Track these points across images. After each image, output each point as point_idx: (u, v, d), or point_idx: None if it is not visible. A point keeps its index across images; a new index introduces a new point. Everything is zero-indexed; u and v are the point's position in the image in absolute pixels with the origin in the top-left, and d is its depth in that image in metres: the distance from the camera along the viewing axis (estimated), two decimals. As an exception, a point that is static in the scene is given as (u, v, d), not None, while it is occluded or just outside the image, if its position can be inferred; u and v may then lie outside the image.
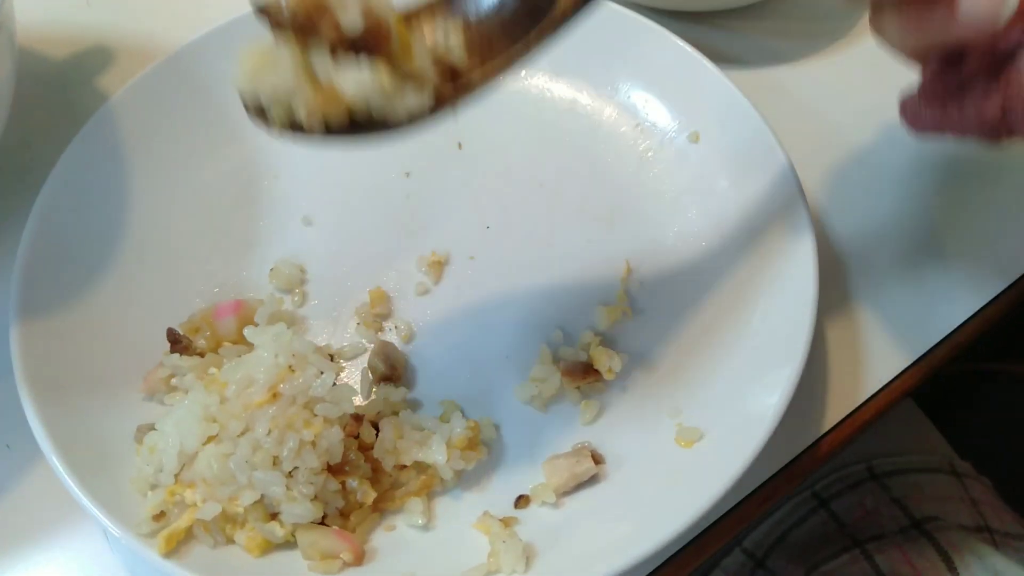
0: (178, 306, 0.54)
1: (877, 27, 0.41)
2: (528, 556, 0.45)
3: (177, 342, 0.51)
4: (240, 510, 0.45)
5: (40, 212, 0.54)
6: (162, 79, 0.61)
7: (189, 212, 0.59)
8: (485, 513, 0.47)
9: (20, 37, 0.57)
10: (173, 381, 0.50)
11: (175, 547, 0.45)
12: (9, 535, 0.50)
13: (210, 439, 0.45)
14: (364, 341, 0.54)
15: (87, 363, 0.51)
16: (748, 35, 0.72)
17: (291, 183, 0.61)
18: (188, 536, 0.45)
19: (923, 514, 0.81)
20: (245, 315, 0.53)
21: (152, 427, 0.49)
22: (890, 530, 0.80)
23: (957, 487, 0.85)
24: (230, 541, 0.45)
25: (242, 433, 0.43)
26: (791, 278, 0.52)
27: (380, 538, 0.48)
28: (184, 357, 0.50)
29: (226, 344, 0.52)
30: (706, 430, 0.49)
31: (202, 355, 0.51)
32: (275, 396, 0.43)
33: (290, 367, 0.45)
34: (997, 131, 0.40)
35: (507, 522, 0.47)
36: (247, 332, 0.49)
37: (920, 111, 0.44)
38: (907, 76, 0.71)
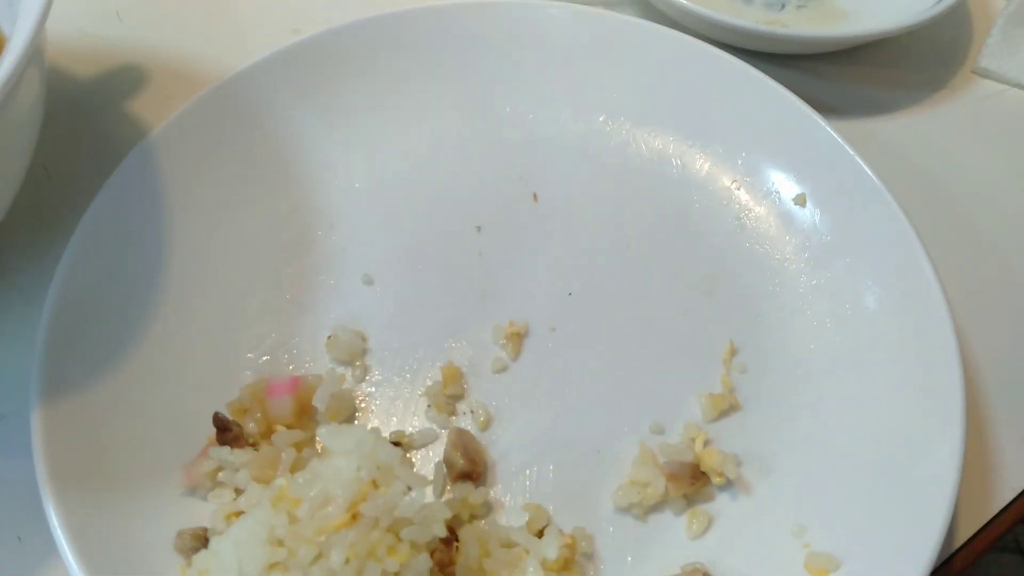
0: (223, 378, 0.47)
1: None
2: None
3: (226, 430, 0.43)
4: None
5: (68, 266, 0.46)
6: (206, 113, 0.54)
7: (234, 266, 0.52)
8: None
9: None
10: (220, 476, 0.43)
11: None
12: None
13: (274, 566, 0.37)
14: (435, 427, 0.47)
15: (117, 448, 0.44)
16: (839, 81, 0.66)
17: (349, 235, 0.54)
18: None
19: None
20: (302, 395, 0.46)
21: (198, 534, 0.41)
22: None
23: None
24: None
25: (314, 561, 0.36)
26: (931, 378, 0.45)
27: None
28: (235, 451, 0.43)
29: (280, 428, 0.45)
30: (842, 558, 0.42)
31: (255, 445, 0.44)
32: (355, 517, 0.36)
33: (373, 481, 0.38)
34: None
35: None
36: (322, 434, 0.41)
37: None
38: (1011, 134, 0.66)
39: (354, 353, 0.49)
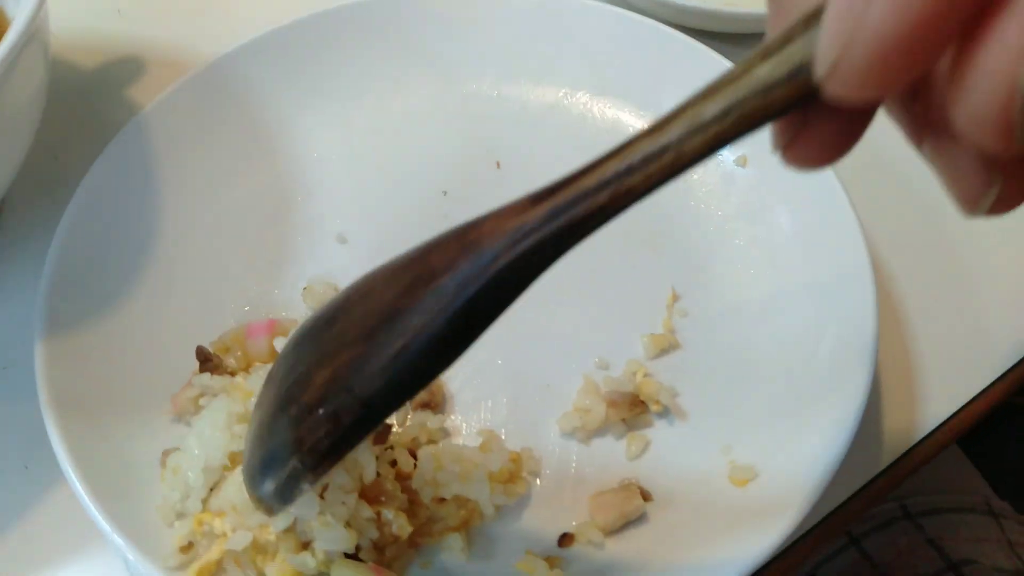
0: (208, 325, 0.52)
1: None
2: (574, 600, 0.43)
3: (207, 360, 0.49)
4: (271, 538, 0.42)
5: (68, 225, 0.52)
6: (194, 91, 0.59)
7: (220, 228, 0.57)
8: (528, 552, 0.45)
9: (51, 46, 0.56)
10: (202, 401, 0.48)
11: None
12: (23, 561, 0.48)
13: (235, 459, 0.43)
14: (399, 365, 0.52)
15: (113, 382, 0.49)
16: (792, 58, 0.70)
17: (325, 201, 0.59)
18: (218, 569, 0.43)
19: (959, 556, 0.78)
20: (277, 335, 0.51)
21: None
22: (925, 572, 0.77)
23: (994, 528, 0.82)
24: (260, 574, 0.43)
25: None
26: (849, 313, 0.49)
27: (415, 575, 0.45)
28: (214, 376, 0.48)
29: (257, 364, 0.50)
30: (760, 469, 0.46)
31: (233, 374, 0.49)
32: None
33: None
34: None
35: (552, 562, 0.44)
36: (278, 343, 0.46)
37: None
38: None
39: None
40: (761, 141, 0.58)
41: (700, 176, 0.61)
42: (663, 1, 0.65)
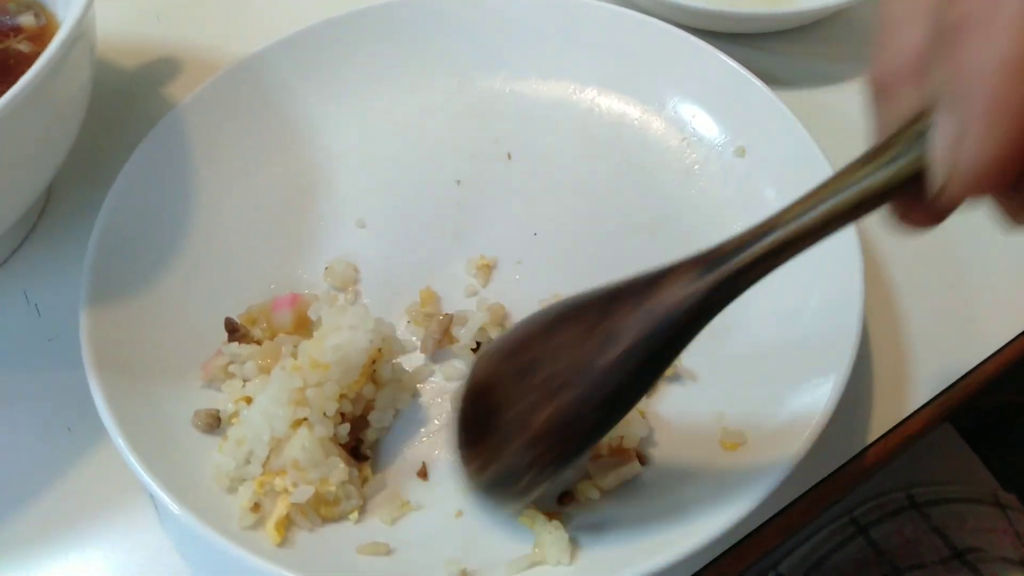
0: (236, 300, 0.56)
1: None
2: (572, 549, 0.46)
3: (235, 331, 0.53)
4: (332, 488, 0.46)
5: (110, 208, 0.56)
6: (226, 88, 0.63)
7: (249, 213, 0.61)
8: (530, 507, 0.48)
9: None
10: (231, 368, 0.52)
11: (285, 535, 0.46)
12: (66, 514, 0.52)
13: (298, 422, 0.47)
14: (414, 339, 0.56)
15: (149, 350, 0.53)
16: (793, 56, 0.73)
17: (346, 189, 0.63)
18: (289, 521, 0.47)
19: (965, 545, 0.79)
20: (300, 308, 0.55)
21: (211, 413, 0.50)
22: (931, 560, 0.78)
23: (1001, 519, 0.83)
24: (326, 520, 0.47)
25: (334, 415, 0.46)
26: (837, 287, 0.52)
27: (420, 523, 0.49)
28: (242, 345, 0.52)
29: (281, 335, 0.54)
30: (749, 434, 0.49)
31: (259, 343, 0.53)
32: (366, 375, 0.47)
33: (379, 349, 0.48)
34: None
35: (552, 516, 0.47)
36: (324, 314, 0.50)
37: None
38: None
39: (347, 280, 0.58)
40: (756, 132, 0.62)
41: (701, 166, 0.64)
42: (668, 2, 0.69)
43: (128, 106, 0.69)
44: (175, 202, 0.59)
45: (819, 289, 0.53)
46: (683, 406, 0.53)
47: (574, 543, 0.46)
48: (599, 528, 0.47)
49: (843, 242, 0.53)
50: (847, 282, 0.52)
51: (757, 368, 0.52)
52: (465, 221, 0.62)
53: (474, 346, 0.54)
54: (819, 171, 0.58)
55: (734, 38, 0.72)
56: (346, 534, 0.48)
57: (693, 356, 0.54)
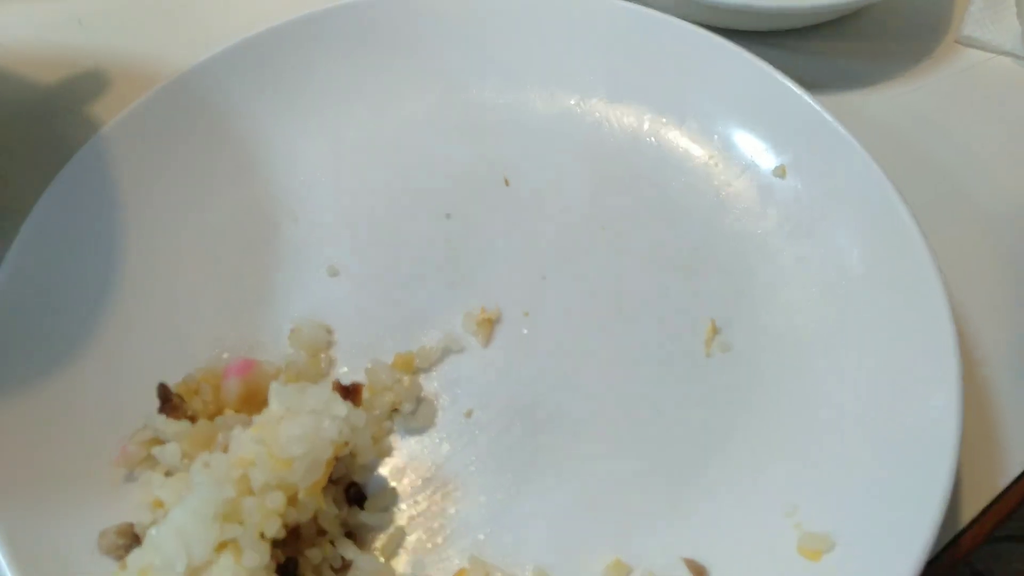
0: (177, 378, 0.45)
1: None
2: None
3: (167, 400, 0.41)
4: None
5: (13, 263, 0.45)
6: (161, 107, 0.52)
7: (192, 261, 0.50)
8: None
9: (1, 60, 0.49)
10: (153, 450, 0.40)
11: None
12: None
13: (223, 545, 0.35)
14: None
15: (57, 451, 0.41)
16: (819, 56, 0.64)
17: (313, 226, 0.52)
18: None
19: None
20: (252, 380, 0.44)
21: (123, 529, 0.39)
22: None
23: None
24: None
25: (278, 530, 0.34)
26: (922, 344, 0.43)
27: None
28: (169, 420, 0.41)
29: (228, 412, 0.43)
30: (836, 537, 0.39)
31: (193, 419, 0.42)
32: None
33: (346, 443, 0.36)
34: None
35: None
36: (276, 392, 0.39)
37: None
38: (998, 103, 0.64)
39: (318, 345, 0.47)
40: (799, 148, 0.53)
41: (734, 189, 0.54)
42: (684, -3, 0.59)
43: (42, 130, 0.57)
44: (97, 252, 0.48)
45: (902, 350, 0.44)
46: (746, 499, 0.42)
47: None
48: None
49: (927, 295, 0.44)
50: (938, 349, 0.43)
51: (832, 450, 0.43)
52: (459, 265, 0.51)
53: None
54: (878, 191, 0.49)
55: (751, 36, 0.63)
56: None
57: (752, 433, 0.45)
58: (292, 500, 0.36)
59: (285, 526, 0.36)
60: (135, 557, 0.36)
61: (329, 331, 0.48)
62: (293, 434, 0.37)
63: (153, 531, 0.36)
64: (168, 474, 0.40)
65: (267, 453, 0.37)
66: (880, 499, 0.39)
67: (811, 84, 0.61)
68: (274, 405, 0.39)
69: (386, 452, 0.44)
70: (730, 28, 0.61)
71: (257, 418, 0.39)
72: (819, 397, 0.45)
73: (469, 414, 0.46)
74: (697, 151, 0.56)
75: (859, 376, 0.44)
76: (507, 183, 0.55)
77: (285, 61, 0.56)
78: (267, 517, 0.35)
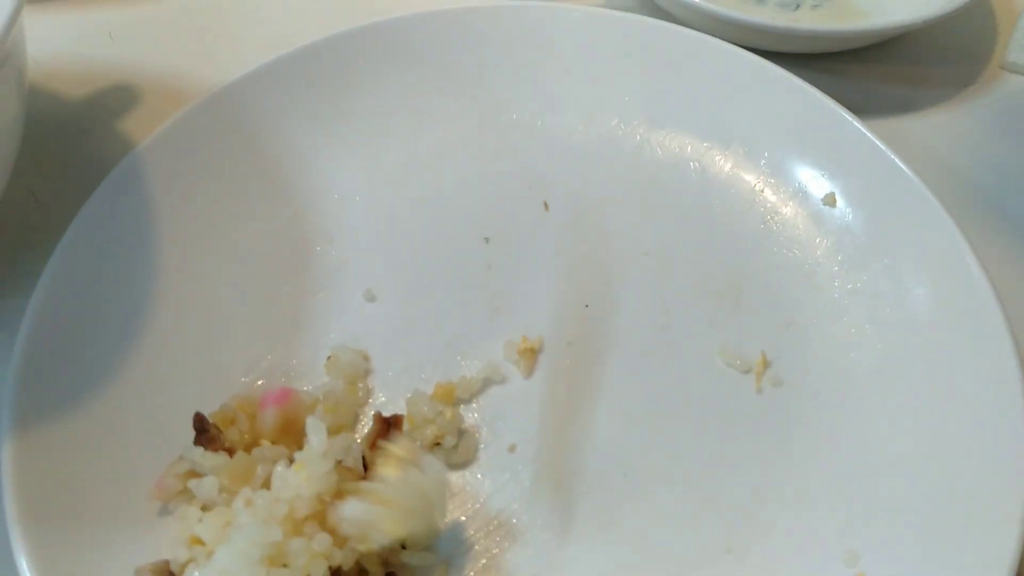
0: (213, 405, 0.43)
1: None
2: None
3: (204, 431, 0.40)
4: None
5: (46, 287, 0.43)
6: (197, 124, 0.51)
7: (227, 285, 0.48)
8: None
9: (32, 73, 0.48)
10: (190, 483, 0.39)
11: None
12: None
13: None
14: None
15: (92, 482, 0.40)
16: (863, 80, 0.63)
17: (349, 249, 0.51)
18: None
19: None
20: (291, 409, 0.43)
21: (159, 567, 0.37)
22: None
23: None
24: None
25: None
26: (988, 384, 0.41)
27: None
28: (207, 452, 0.39)
29: (264, 443, 0.41)
30: (902, 592, 0.37)
31: (231, 451, 0.40)
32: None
33: None
34: None
35: None
36: (310, 425, 0.38)
37: None
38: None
39: (356, 373, 0.46)
40: (849, 176, 0.51)
41: (782, 217, 0.53)
42: (727, 19, 0.57)
43: (74, 147, 0.56)
44: (130, 278, 0.47)
45: (966, 393, 0.42)
46: (803, 543, 0.41)
47: None
48: None
49: (992, 333, 0.43)
50: (1003, 377, 0.41)
51: (894, 493, 0.41)
52: (499, 290, 0.50)
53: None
54: (931, 218, 0.47)
55: (791, 59, 0.61)
56: None
57: (805, 472, 0.43)
58: (338, 542, 0.35)
59: (329, 568, 0.35)
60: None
61: (367, 358, 0.47)
62: None
63: (197, 574, 0.34)
64: (205, 508, 0.39)
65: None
66: (946, 547, 0.38)
67: (854, 109, 0.60)
68: (313, 440, 0.38)
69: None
70: (772, 51, 0.60)
71: (299, 455, 0.37)
72: (876, 438, 0.43)
73: (512, 449, 0.44)
74: (743, 177, 0.54)
75: (920, 420, 0.42)
76: (547, 207, 0.54)
77: (322, 79, 0.55)
78: (313, 559, 0.34)
